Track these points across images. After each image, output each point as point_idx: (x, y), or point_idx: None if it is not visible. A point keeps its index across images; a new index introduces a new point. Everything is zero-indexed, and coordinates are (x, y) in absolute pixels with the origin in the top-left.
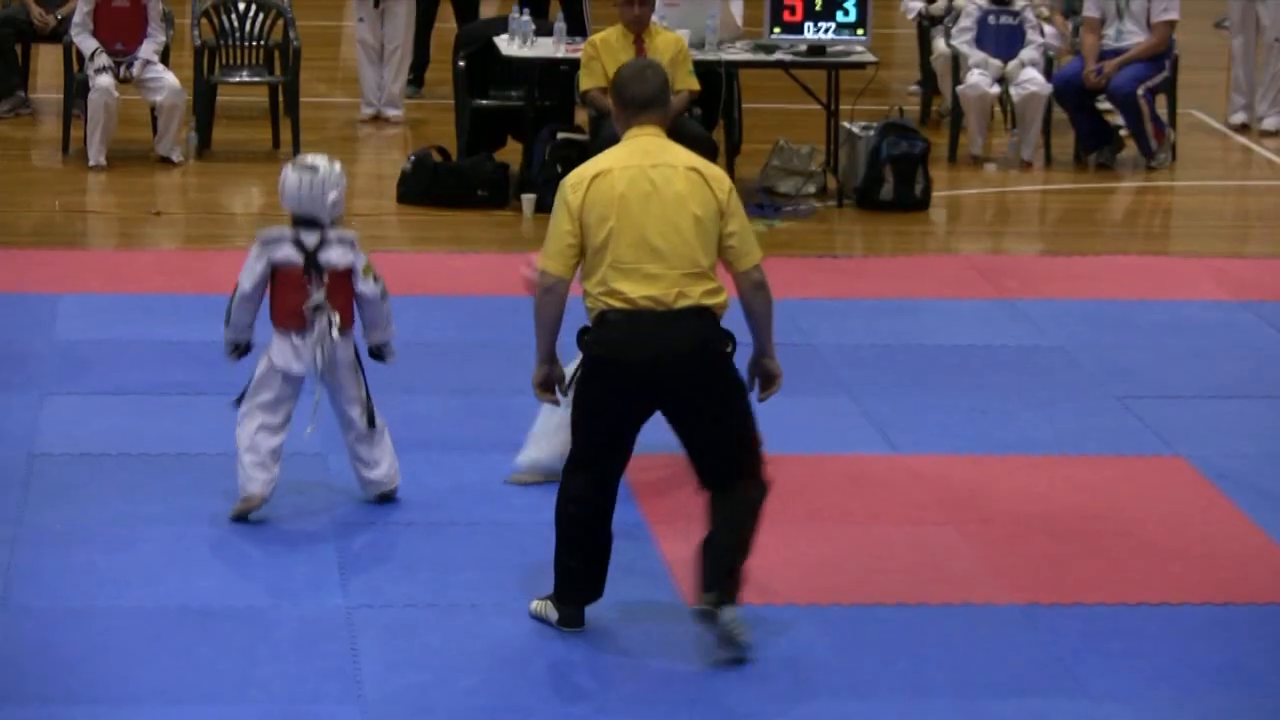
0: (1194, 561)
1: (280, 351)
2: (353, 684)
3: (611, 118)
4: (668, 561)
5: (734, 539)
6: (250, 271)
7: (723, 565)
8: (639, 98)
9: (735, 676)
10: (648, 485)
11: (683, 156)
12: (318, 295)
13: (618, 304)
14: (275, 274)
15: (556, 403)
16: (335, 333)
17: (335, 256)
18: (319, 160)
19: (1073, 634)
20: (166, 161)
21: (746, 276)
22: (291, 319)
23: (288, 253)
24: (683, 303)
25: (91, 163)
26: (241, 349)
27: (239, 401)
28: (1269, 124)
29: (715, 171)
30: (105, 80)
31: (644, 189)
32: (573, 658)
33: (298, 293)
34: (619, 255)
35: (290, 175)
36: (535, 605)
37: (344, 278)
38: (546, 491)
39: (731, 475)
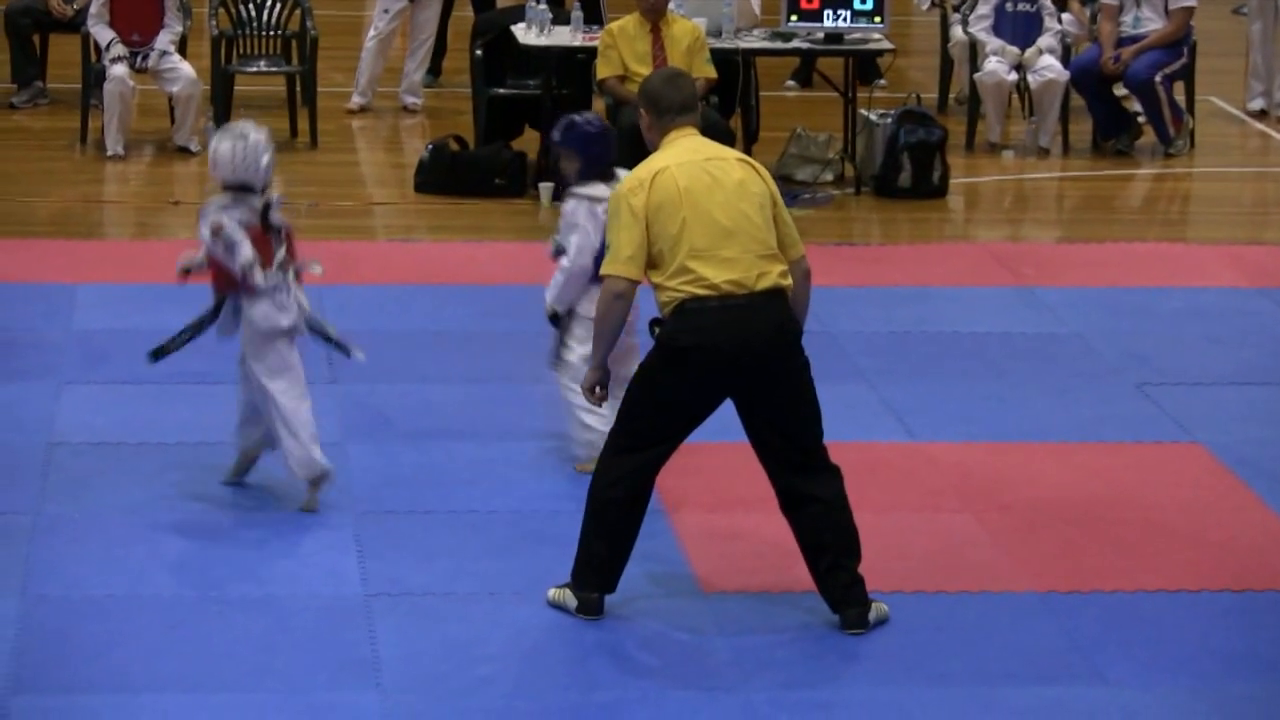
0: (1212, 548)
1: (264, 314)
2: (371, 672)
3: (644, 127)
4: (685, 548)
5: (847, 544)
6: (238, 233)
7: (849, 578)
8: (676, 103)
9: (753, 664)
10: (665, 474)
11: (729, 150)
12: (281, 252)
13: (700, 290)
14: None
15: (602, 403)
16: (299, 290)
17: (280, 219)
18: (247, 127)
19: (1090, 621)
20: (184, 151)
21: (799, 265)
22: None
23: (246, 215)
24: (763, 283)
25: (109, 153)
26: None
27: (154, 355)
28: None
29: (758, 163)
30: (120, 70)
31: (705, 181)
32: (590, 645)
33: (264, 252)
34: (694, 244)
35: (223, 144)
36: (553, 593)
37: (290, 233)
38: (563, 480)
39: (808, 464)
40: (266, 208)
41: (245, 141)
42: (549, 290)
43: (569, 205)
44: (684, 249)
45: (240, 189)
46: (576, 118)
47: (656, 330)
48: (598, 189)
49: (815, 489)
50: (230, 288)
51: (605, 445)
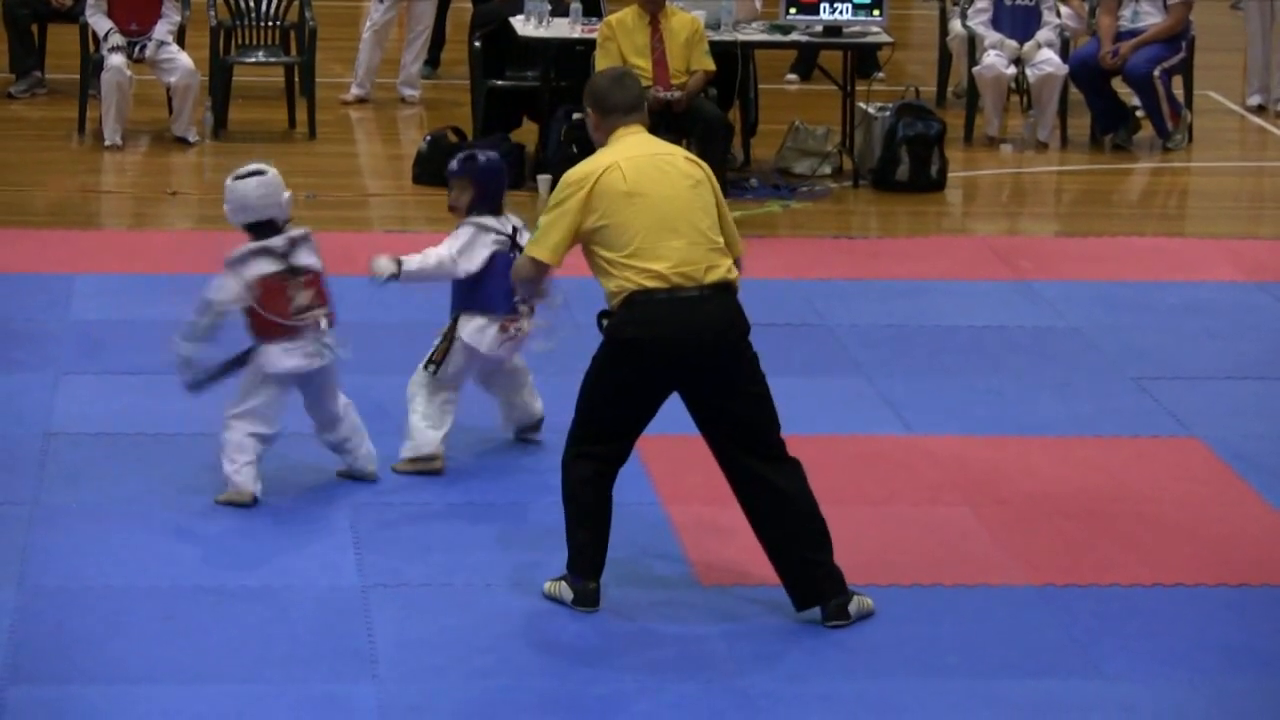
0: (1210, 543)
1: (272, 359)
2: (368, 663)
3: (590, 127)
4: (682, 540)
5: (815, 538)
6: (224, 288)
7: (823, 571)
8: (624, 103)
9: (750, 657)
10: (661, 464)
11: (676, 148)
12: (302, 297)
13: (649, 282)
14: (258, 286)
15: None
16: (326, 328)
17: (306, 257)
18: (259, 165)
19: (1088, 615)
20: (182, 142)
21: (738, 263)
22: (278, 328)
23: (263, 265)
24: (712, 276)
25: (107, 142)
26: (201, 383)
27: (195, 386)
28: None
29: (703, 162)
30: (118, 60)
31: (654, 175)
32: (587, 638)
33: (282, 299)
34: (644, 235)
35: (241, 186)
36: (549, 586)
37: (318, 277)
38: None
39: (767, 454)
40: (291, 246)
41: (264, 177)
42: (414, 257)
43: (462, 228)
44: (634, 240)
45: (262, 228)
46: (477, 152)
47: (604, 323)
48: (488, 220)
49: (774, 478)
50: (266, 332)
51: (569, 439)
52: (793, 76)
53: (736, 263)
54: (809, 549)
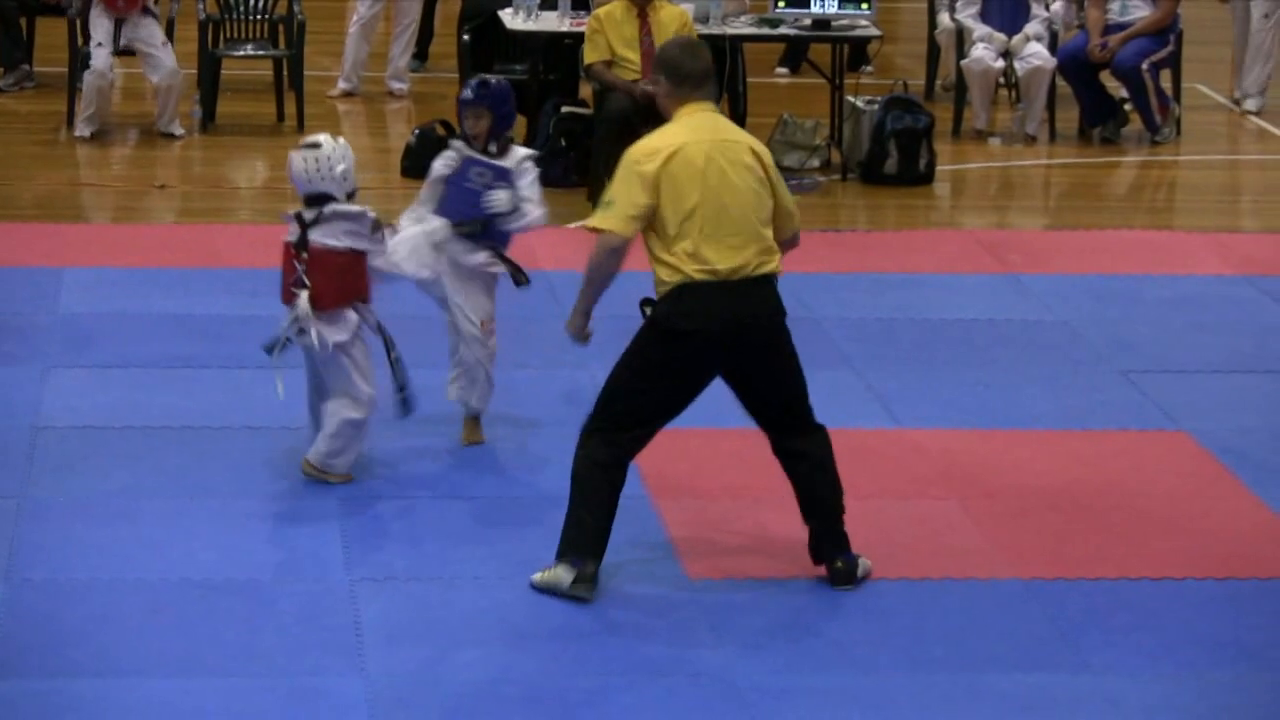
0: (1197, 536)
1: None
2: (355, 657)
3: (660, 94)
4: (670, 534)
5: (834, 498)
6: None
7: (838, 528)
8: (695, 73)
9: (738, 650)
10: (651, 460)
11: (742, 133)
12: (300, 270)
13: (701, 276)
14: (282, 252)
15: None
16: (304, 309)
17: (324, 235)
18: (321, 137)
19: (1075, 608)
20: (169, 137)
21: (796, 238)
22: (285, 294)
23: (290, 231)
24: (761, 270)
25: (77, 134)
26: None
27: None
28: (1250, 105)
29: (763, 147)
30: (101, 63)
31: (720, 164)
32: (576, 630)
33: (289, 269)
34: (704, 227)
35: (295, 157)
36: (541, 576)
37: (331, 255)
38: (548, 464)
39: (799, 426)
40: (317, 221)
41: (318, 151)
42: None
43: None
44: (693, 230)
45: (315, 200)
46: (488, 78)
47: (648, 310)
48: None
49: (807, 446)
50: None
51: (590, 422)
52: (783, 70)
53: (795, 238)
54: (835, 511)
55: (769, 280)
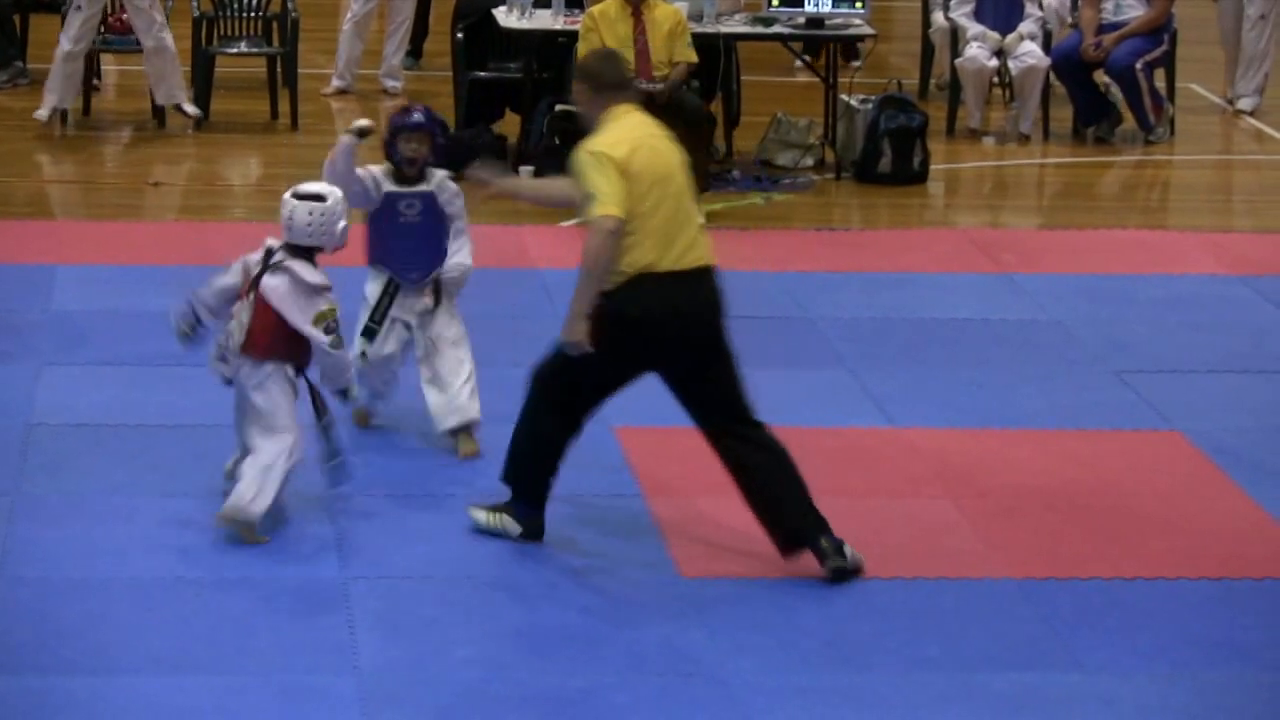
0: (1190, 536)
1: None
2: (349, 655)
3: (582, 102)
4: (663, 532)
5: (804, 493)
6: (229, 270)
7: (816, 519)
8: (616, 79)
9: (731, 648)
10: (642, 457)
11: (661, 128)
12: (241, 313)
13: (660, 265)
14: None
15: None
16: (233, 352)
17: (273, 285)
18: (323, 188)
19: (1068, 608)
20: (179, 112)
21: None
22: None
23: (249, 267)
24: (709, 259)
25: (36, 114)
26: (188, 328)
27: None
28: (1244, 104)
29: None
30: (79, 46)
31: (669, 160)
32: (569, 629)
33: (244, 294)
34: (659, 222)
35: (300, 208)
36: (487, 518)
37: (270, 310)
38: None
39: (746, 420)
40: (267, 258)
41: (322, 204)
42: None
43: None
44: (651, 226)
45: (302, 251)
46: (425, 107)
47: (600, 299)
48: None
49: (759, 439)
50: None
51: (539, 378)
52: (800, 64)
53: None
54: (804, 494)
55: (712, 270)
